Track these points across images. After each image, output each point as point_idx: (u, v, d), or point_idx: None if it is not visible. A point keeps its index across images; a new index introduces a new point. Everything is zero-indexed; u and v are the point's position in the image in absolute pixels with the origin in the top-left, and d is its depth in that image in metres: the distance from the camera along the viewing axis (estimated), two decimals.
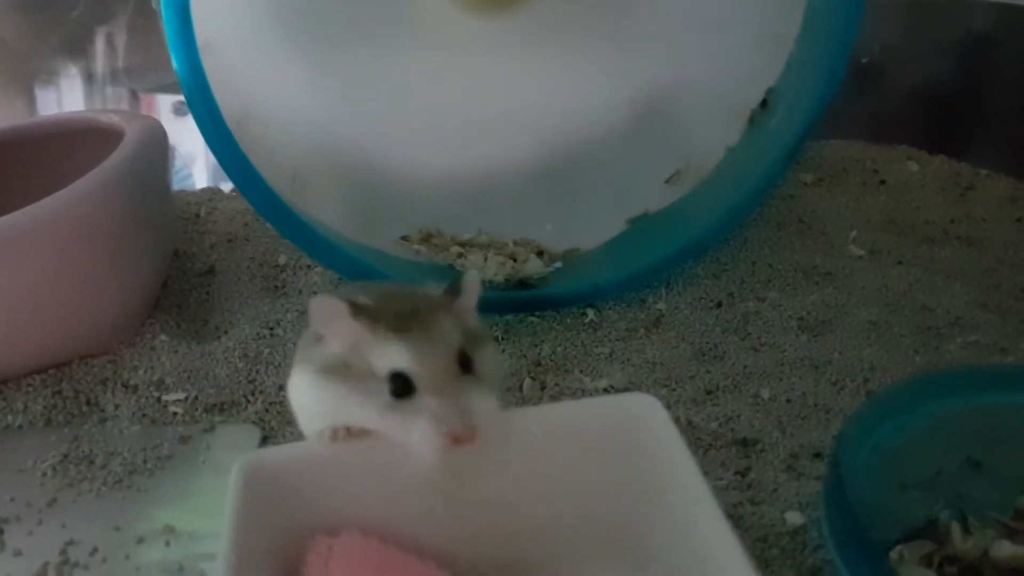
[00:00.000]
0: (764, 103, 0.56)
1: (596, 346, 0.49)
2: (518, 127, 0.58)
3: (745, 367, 0.47)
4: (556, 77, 0.57)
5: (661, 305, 0.52)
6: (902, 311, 0.51)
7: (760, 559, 0.35)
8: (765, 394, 0.45)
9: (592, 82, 0.58)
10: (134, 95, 0.82)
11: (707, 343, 0.49)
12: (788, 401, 0.45)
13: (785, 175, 0.53)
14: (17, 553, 0.36)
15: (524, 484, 0.34)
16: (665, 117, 0.58)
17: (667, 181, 0.57)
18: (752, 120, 0.56)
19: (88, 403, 0.44)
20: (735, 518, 0.36)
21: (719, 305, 0.52)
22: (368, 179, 0.57)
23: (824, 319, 0.50)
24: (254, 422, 0.42)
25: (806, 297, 0.52)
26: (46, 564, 0.35)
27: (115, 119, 0.51)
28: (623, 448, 0.34)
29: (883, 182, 0.64)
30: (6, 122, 0.56)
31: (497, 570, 0.33)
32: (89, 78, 0.78)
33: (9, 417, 0.43)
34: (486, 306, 0.51)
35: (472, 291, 0.33)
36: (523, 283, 0.53)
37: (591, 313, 0.52)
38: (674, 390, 0.45)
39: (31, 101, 0.78)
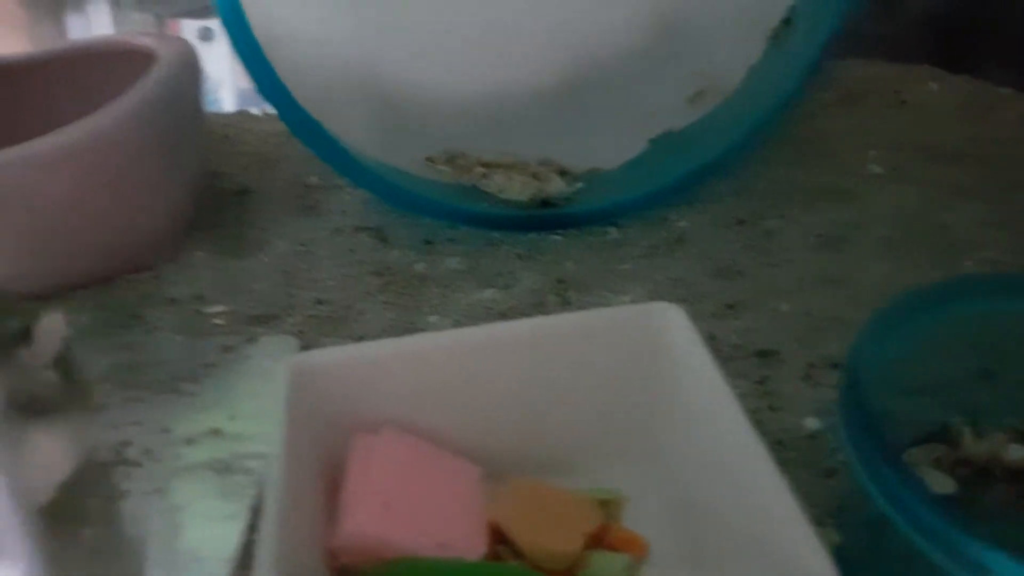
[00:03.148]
0: (787, 21, 0.56)
1: (618, 263, 0.50)
2: (541, 48, 0.58)
3: (765, 282, 0.48)
4: None
5: (683, 223, 0.53)
6: (919, 229, 0.52)
7: (777, 461, 0.36)
8: (784, 308, 0.46)
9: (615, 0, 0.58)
10: (160, 20, 0.83)
11: (728, 260, 0.50)
12: (806, 315, 0.46)
13: (807, 93, 0.54)
14: None
15: (551, 388, 0.35)
16: (687, 36, 0.58)
17: (689, 100, 0.58)
18: (774, 38, 0.57)
19: (133, 316, 0.46)
20: (754, 424, 0.38)
21: (740, 223, 0.53)
22: (391, 101, 0.58)
23: (843, 236, 0.51)
24: (293, 334, 0.44)
25: (825, 215, 0.53)
26: (103, 464, 0.37)
27: (148, 41, 0.51)
28: (646, 353, 0.35)
29: (903, 102, 0.65)
30: (39, 47, 0.57)
31: (525, 468, 0.35)
32: (116, 3, 0.78)
33: None
34: (510, 224, 0.53)
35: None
36: (546, 202, 0.54)
37: (613, 231, 0.53)
38: (695, 305, 0.47)
39: (61, 28, 0.78)
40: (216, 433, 0.38)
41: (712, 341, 0.44)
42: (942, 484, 0.34)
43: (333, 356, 0.34)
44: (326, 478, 0.33)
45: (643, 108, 0.59)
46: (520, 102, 0.59)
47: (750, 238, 0.52)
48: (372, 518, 0.31)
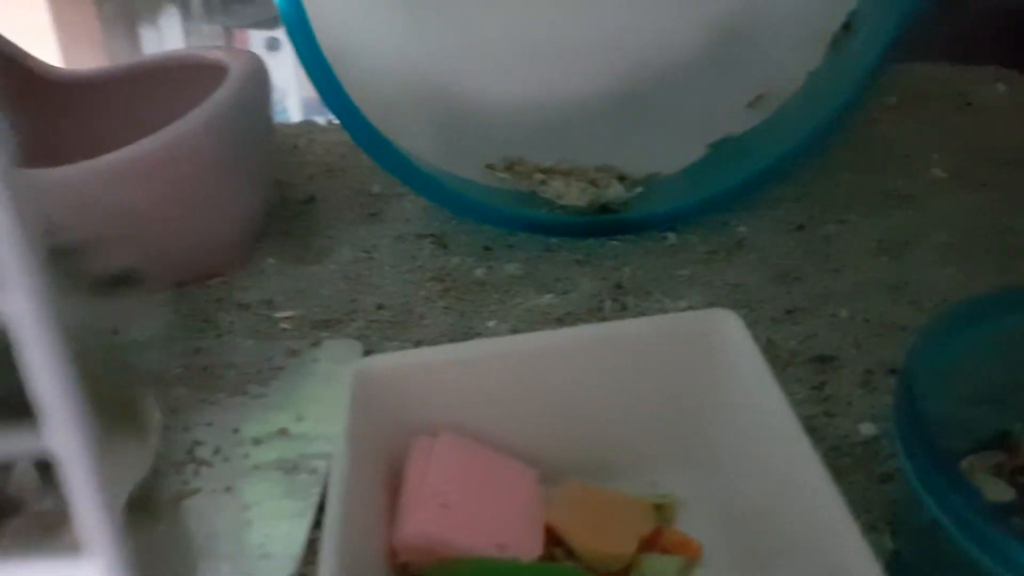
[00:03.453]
0: (847, 26, 0.56)
1: (677, 269, 0.51)
2: (600, 53, 0.59)
3: (824, 288, 0.48)
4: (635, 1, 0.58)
5: (742, 228, 0.53)
6: (983, 234, 0.51)
7: (833, 467, 0.36)
8: (843, 313, 0.46)
9: (671, 4, 0.58)
10: (228, 31, 0.86)
11: (788, 265, 0.50)
12: (866, 320, 0.46)
13: (868, 98, 0.53)
14: None
15: (607, 393, 0.36)
16: (747, 41, 0.58)
17: (750, 105, 0.58)
18: (834, 43, 0.56)
19: (205, 320, 0.48)
20: (810, 429, 0.38)
21: (800, 228, 0.53)
22: (452, 110, 0.59)
23: (904, 241, 0.51)
24: (356, 338, 0.46)
25: (886, 219, 0.53)
26: (175, 462, 0.39)
27: (219, 55, 0.53)
28: (702, 360, 0.36)
29: (969, 104, 0.64)
30: (114, 58, 0.59)
31: (580, 472, 0.36)
32: (187, 16, 0.81)
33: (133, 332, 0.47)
34: (568, 230, 0.54)
35: None
36: (604, 208, 0.54)
37: (672, 236, 0.53)
38: (754, 310, 0.47)
39: (134, 39, 0.81)
40: (283, 434, 0.40)
41: (770, 346, 0.44)
42: (1000, 492, 0.34)
43: (395, 361, 0.35)
44: (387, 479, 0.34)
45: (702, 113, 0.59)
46: (579, 108, 0.60)
47: (810, 243, 0.52)
48: (431, 519, 0.32)
